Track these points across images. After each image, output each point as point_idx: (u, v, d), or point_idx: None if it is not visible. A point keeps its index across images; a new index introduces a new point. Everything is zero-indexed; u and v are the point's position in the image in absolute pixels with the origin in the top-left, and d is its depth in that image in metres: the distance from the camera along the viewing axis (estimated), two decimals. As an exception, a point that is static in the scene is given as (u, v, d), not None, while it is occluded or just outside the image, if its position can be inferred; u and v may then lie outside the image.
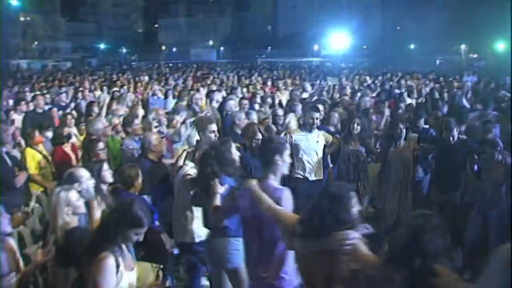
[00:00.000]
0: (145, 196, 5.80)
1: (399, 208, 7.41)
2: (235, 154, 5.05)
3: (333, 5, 79.40)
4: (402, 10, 61.34)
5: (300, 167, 7.64)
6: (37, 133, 8.04)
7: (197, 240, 5.50)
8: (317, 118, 7.78)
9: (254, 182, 4.27)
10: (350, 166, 8.00)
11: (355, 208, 3.59)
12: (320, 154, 7.77)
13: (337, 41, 44.31)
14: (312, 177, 7.67)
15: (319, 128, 8.20)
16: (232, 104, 10.31)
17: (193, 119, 8.47)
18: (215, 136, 6.61)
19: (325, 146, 7.81)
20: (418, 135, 7.84)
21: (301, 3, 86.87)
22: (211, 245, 5.11)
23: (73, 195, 4.50)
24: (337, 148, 8.11)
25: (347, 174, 7.97)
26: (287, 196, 4.16)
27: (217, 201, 4.62)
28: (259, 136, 6.80)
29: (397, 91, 15.10)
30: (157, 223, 5.84)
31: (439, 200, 7.37)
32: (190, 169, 5.58)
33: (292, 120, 8.42)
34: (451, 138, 7.13)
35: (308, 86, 15.44)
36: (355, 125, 7.98)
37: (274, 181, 4.25)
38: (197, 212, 5.51)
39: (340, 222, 3.49)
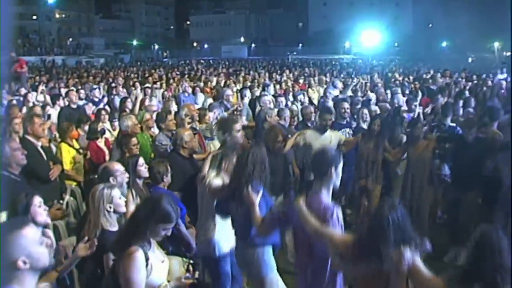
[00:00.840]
0: (175, 192, 5.85)
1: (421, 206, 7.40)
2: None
3: (364, 2, 78.83)
4: (433, 7, 60.50)
5: None
6: (73, 127, 8.22)
7: (220, 254, 5.34)
8: (330, 120, 7.76)
9: (301, 201, 4.02)
10: (368, 164, 7.83)
11: (408, 225, 3.43)
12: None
13: (368, 38, 43.79)
14: None
15: (344, 126, 8.16)
16: (267, 100, 10.31)
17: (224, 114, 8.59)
18: (242, 135, 6.57)
19: (339, 145, 7.69)
20: (438, 134, 7.77)
21: (332, 0, 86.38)
22: (238, 255, 5.05)
23: (116, 193, 4.51)
24: (354, 147, 8.03)
25: (365, 173, 7.87)
26: (336, 214, 3.95)
27: (257, 211, 4.48)
28: (281, 138, 6.81)
29: (433, 87, 14.94)
30: (185, 219, 5.91)
31: (456, 199, 7.33)
32: (214, 177, 5.32)
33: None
34: (469, 137, 7.10)
35: (339, 83, 15.38)
36: (375, 126, 7.84)
37: (325, 196, 4.05)
38: (221, 222, 5.34)
39: (394, 241, 3.33)
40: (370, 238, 3.42)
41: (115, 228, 4.45)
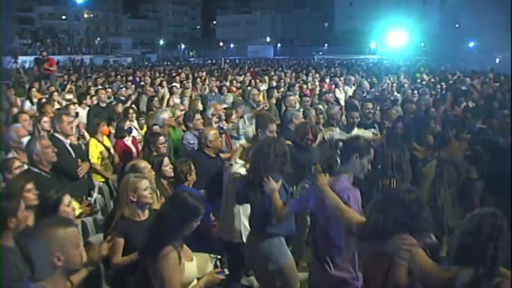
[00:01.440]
0: (201, 191, 5.89)
1: (451, 209, 7.25)
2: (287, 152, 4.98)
3: (391, 1, 78.04)
4: (460, 7, 59.56)
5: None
6: (104, 123, 8.34)
7: (244, 240, 5.50)
8: (356, 117, 7.76)
9: (325, 179, 4.28)
10: (394, 165, 7.64)
11: (423, 214, 3.46)
12: None
13: (395, 38, 43.42)
14: None
15: (368, 126, 8.11)
16: (292, 100, 10.31)
17: (250, 114, 8.58)
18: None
19: None
20: (471, 136, 7.67)
21: (358, 0, 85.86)
22: (253, 248, 5.08)
23: (142, 184, 4.53)
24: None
25: (390, 173, 7.74)
26: (355, 196, 4.19)
27: (278, 197, 4.66)
28: (310, 136, 6.80)
29: (463, 88, 14.75)
30: (210, 217, 5.96)
31: (491, 205, 7.11)
32: (239, 167, 5.57)
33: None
34: (503, 142, 6.98)
35: (365, 84, 15.30)
36: (398, 128, 7.72)
37: (346, 180, 4.28)
38: (245, 211, 5.51)
39: (402, 226, 3.39)
40: (380, 219, 3.47)
41: (137, 218, 4.48)
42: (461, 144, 7.45)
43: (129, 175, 4.67)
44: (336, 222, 4.11)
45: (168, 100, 11.64)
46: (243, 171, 5.44)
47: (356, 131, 7.71)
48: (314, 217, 4.58)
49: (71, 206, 4.34)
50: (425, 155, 7.74)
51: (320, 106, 10.43)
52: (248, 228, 5.36)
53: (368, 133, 7.92)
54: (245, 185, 5.06)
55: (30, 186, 4.53)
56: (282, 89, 14.79)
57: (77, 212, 4.86)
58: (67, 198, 4.30)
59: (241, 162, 5.67)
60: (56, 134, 6.63)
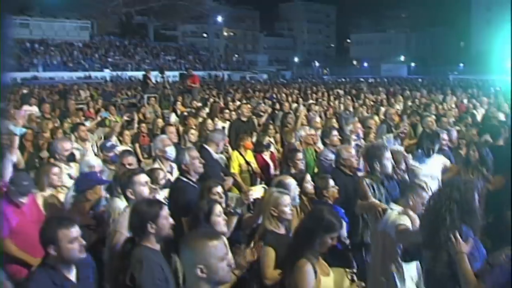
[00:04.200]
0: (338, 207, 5.92)
1: None
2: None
3: (532, 19, 72.69)
4: None
5: None
6: (248, 138, 8.61)
7: None
8: (436, 145, 7.14)
9: None
10: None
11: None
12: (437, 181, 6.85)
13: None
14: None
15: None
16: (429, 121, 9.99)
17: (390, 135, 8.50)
18: (392, 164, 6.06)
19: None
20: None
21: (496, 18, 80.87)
22: None
23: (285, 199, 4.55)
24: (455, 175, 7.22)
25: None
26: None
27: (467, 265, 3.58)
28: (403, 166, 6.56)
29: None
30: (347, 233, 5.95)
31: None
32: (399, 215, 4.63)
33: None
34: None
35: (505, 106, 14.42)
36: (471, 151, 6.89)
37: None
38: (409, 270, 4.74)
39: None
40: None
41: (277, 231, 4.50)
42: None
43: (272, 190, 4.76)
44: None
45: (304, 116, 11.82)
46: (406, 220, 4.57)
47: (435, 158, 7.07)
48: None
49: (221, 216, 4.50)
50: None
51: (458, 128, 10.02)
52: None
53: (444, 161, 7.24)
54: (416, 242, 4.20)
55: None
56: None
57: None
58: (217, 208, 4.47)
59: (397, 207, 4.79)
60: (205, 146, 7.03)
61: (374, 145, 6.46)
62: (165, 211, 3.89)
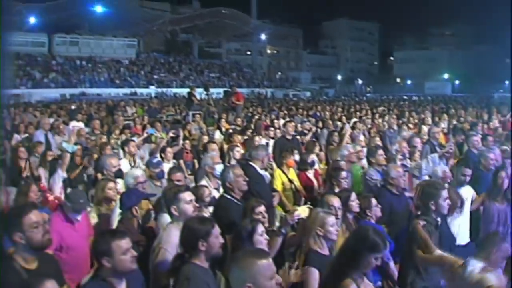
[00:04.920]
0: (382, 226, 5.87)
1: None
2: None
3: None
4: None
5: None
6: (291, 156, 8.61)
7: None
8: (468, 175, 6.92)
9: None
10: (498, 227, 6.45)
11: None
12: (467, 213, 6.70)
13: None
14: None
15: None
16: (475, 140, 9.80)
17: (435, 154, 8.37)
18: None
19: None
20: None
21: (544, 34, 78.90)
22: None
23: (330, 220, 4.57)
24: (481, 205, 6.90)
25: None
26: None
27: None
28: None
29: None
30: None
31: None
32: (487, 276, 3.83)
33: None
34: None
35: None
36: (499, 177, 6.69)
37: None
38: None
39: None
40: None
41: (321, 251, 4.50)
42: None
43: (318, 210, 4.77)
44: None
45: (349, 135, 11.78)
46: (494, 280, 3.88)
47: (466, 188, 6.92)
48: None
49: (264, 235, 4.51)
50: None
51: (505, 147, 9.80)
52: None
53: (473, 192, 7.06)
54: None
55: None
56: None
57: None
58: (260, 228, 4.50)
59: (478, 263, 4.00)
60: (251, 163, 7.10)
61: (430, 183, 5.82)
62: (217, 229, 3.93)
